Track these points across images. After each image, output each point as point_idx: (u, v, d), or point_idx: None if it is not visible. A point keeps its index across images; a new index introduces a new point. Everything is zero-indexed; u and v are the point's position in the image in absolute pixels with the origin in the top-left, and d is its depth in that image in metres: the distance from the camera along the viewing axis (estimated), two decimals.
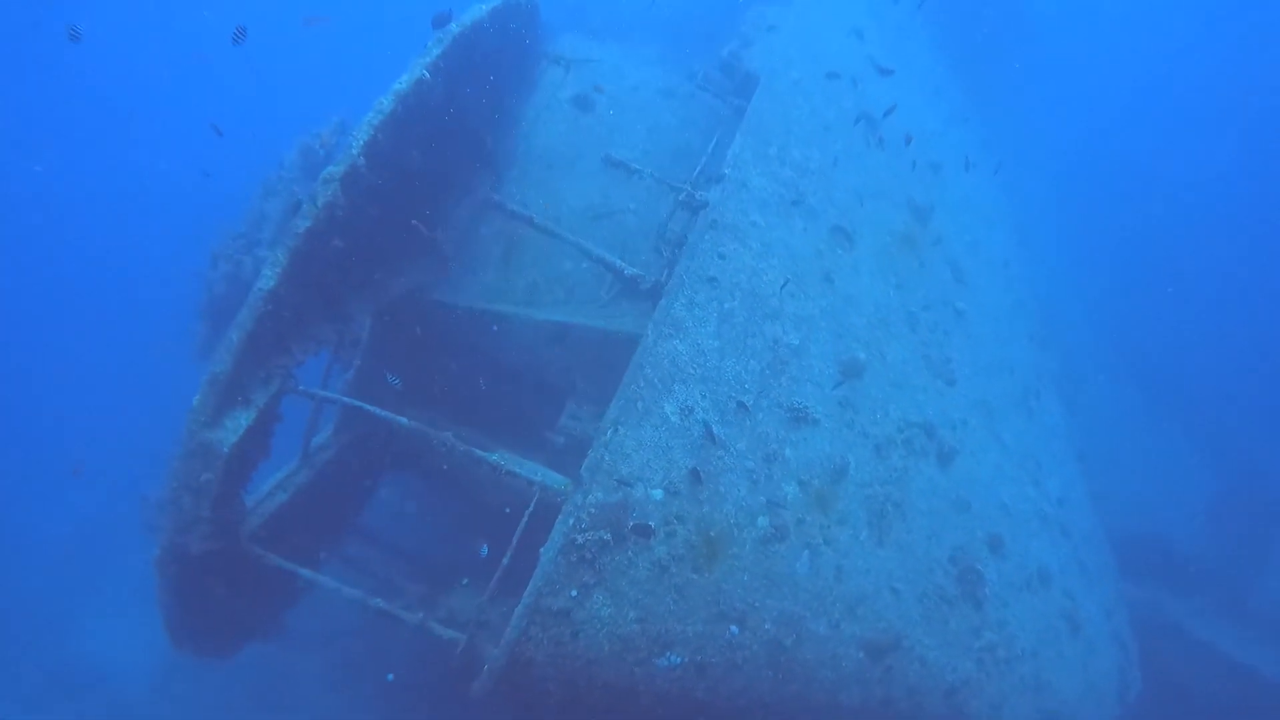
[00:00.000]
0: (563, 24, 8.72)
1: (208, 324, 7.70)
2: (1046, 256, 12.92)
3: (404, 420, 5.30)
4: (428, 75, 5.10)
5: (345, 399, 5.53)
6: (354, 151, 4.78)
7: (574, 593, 4.67)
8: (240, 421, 4.75)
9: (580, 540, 4.66)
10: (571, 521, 4.68)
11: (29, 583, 12.62)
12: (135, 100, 27.65)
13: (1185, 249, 18.11)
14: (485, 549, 5.85)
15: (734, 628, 5.03)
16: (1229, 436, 13.71)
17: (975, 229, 8.70)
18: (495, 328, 6.53)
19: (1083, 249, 15.85)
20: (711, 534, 5.00)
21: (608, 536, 4.71)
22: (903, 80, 9.19)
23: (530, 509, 5.13)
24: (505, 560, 5.03)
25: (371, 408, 5.30)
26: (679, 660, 4.94)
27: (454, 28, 5.44)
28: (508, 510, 5.80)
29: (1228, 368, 15.73)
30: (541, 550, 4.77)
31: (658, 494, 4.94)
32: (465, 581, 5.91)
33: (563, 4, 9.32)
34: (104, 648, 11.98)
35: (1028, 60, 14.82)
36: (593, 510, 4.73)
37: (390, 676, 5.73)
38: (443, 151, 5.88)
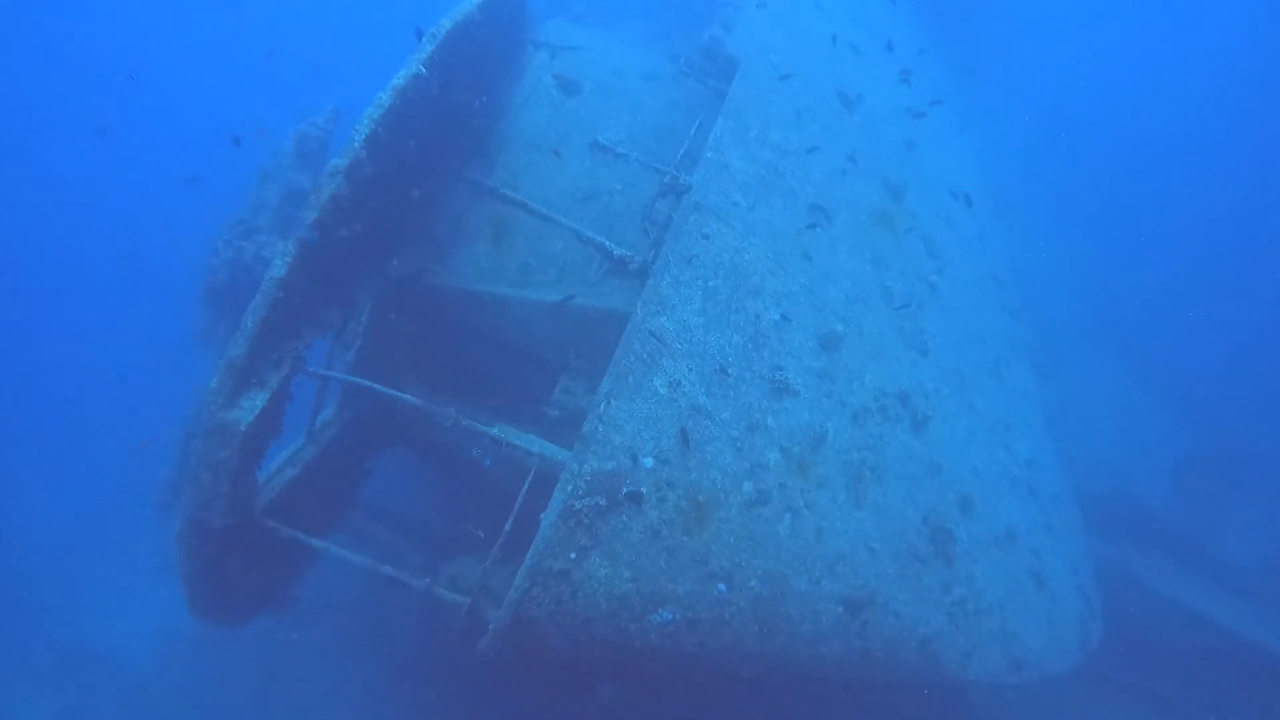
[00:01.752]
0: (546, 7, 8.92)
1: (210, 308, 7.93)
2: (1025, 224, 13.28)
3: (409, 397, 5.60)
4: (424, 71, 5.36)
5: (354, 379, 5.81)
6: (356, 145, 5.04)
7: (572, 555, 5.02)
8: (255, 402, 5.04)
9: (578, 506, 5.00)
10: (569, 489, 5.01)
11: (36, 564, 12.86)
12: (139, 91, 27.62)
13: (1161, 212, 18.59)
14: (481, 533, 6.18)
15: (722, 586, 5.40)
16: (1199, 398, 14.24)
17: (949, 204, 9.01)
18: (491, 309, 6.82)
19: (1061, 214, 16.21)
20: (700, 499, 5.35)
21: (603, 502, 5.05)
22: (879, 57, 9.46)
23: (529, 478, 5.46)
24: (507, 526, 5.36)
25: (378, 386, 5.59)
26: (671, 617, 5.31)
27: (446, 23, 5.68)
28: (485, 463, 6.13)
29: (1201, 331, 16.28)
30: (541, 516, 5.11)
31: (649, 462, 5.28)
32: (481, 534, 6.19)
33: None
34: (109, 624, 12.28)
35: (1005, 25, 15.11)
36: (589, 478, 5.07)
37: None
38: (437, 140, 6.14)
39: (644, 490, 5.19)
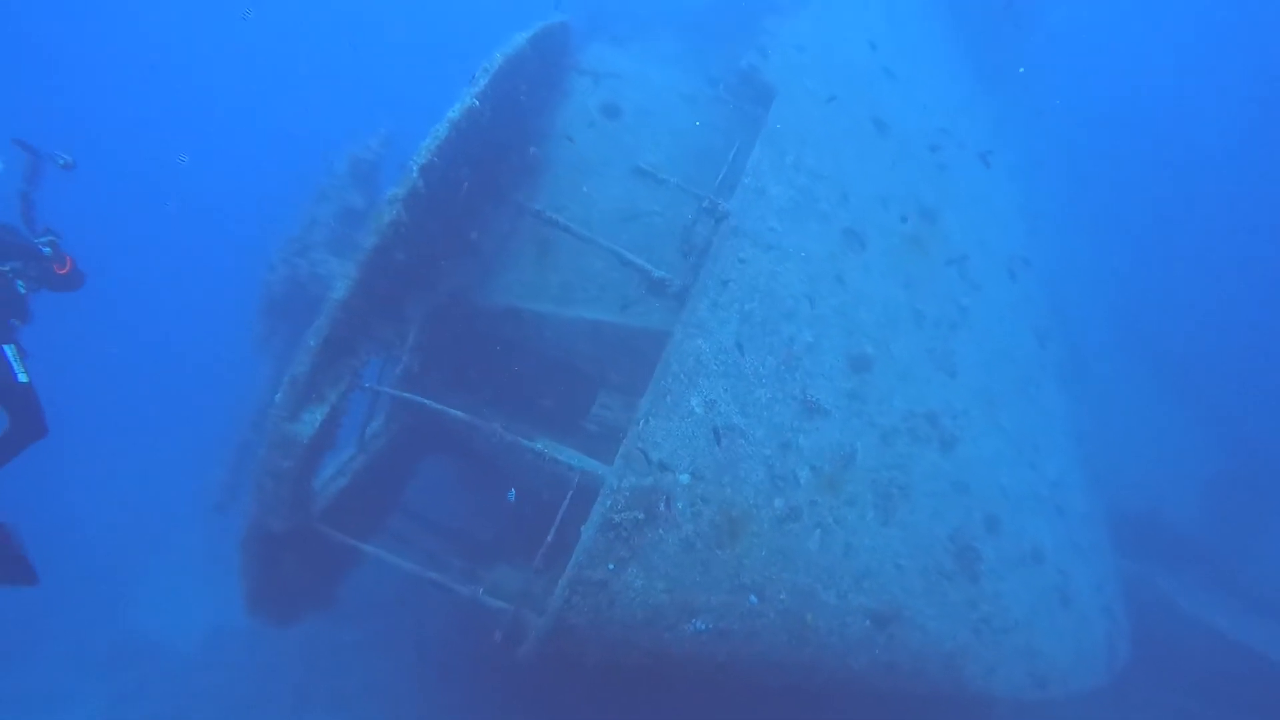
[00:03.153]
0: (587, 29, 9.19)
1: (266, 321, 8.30)
2: (1059, 242, 13.31)
3: (456, 412, 5.90)
4: (477, 103, 5.66)
5: (405, 394, 6.13)
6: (414, 174, 5.35)
7: (611, 566, 5.29)
8: (316, 416, 5.36)
9: (616, 519, 5.27)
10: (609, 503, 5.28)
11: (93, 559, 13.39)
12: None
13: (1197, 229, 18.47)
14: (513, 493, 6.46)
15: (753, 598, 5.63)
16: (1233, 418, 14.17)
17: (983, 226, 9.15)
18: (533, 326, 7.10)
19: (1097, 232, 16.19)
20: (733, 514, 5.59)
21: (641, 516, 5.32)
22: (914, 80, 9.63)
23: (570, 492, 5.73)
24: (549, 538, 5.63)
25: (431, 402, 5.90)
26: (704, 627, 5.56)
27: (498, 58, 6.00)
28: (511, 496, 6.45)
29: (1236, 351, 16.16)
30: (582, 528, 5.38)
31: (685, 478, 5.53)
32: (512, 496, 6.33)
33: (584, 4, 9.79)
34: (159, 619, 12.77)
35: (1042, 39, 15.12)
36: (627, 493, 5.33)
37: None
38: (487, 166, 6.44)
39: (680, 505, 5.44)
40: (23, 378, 5.41)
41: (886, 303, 7.13)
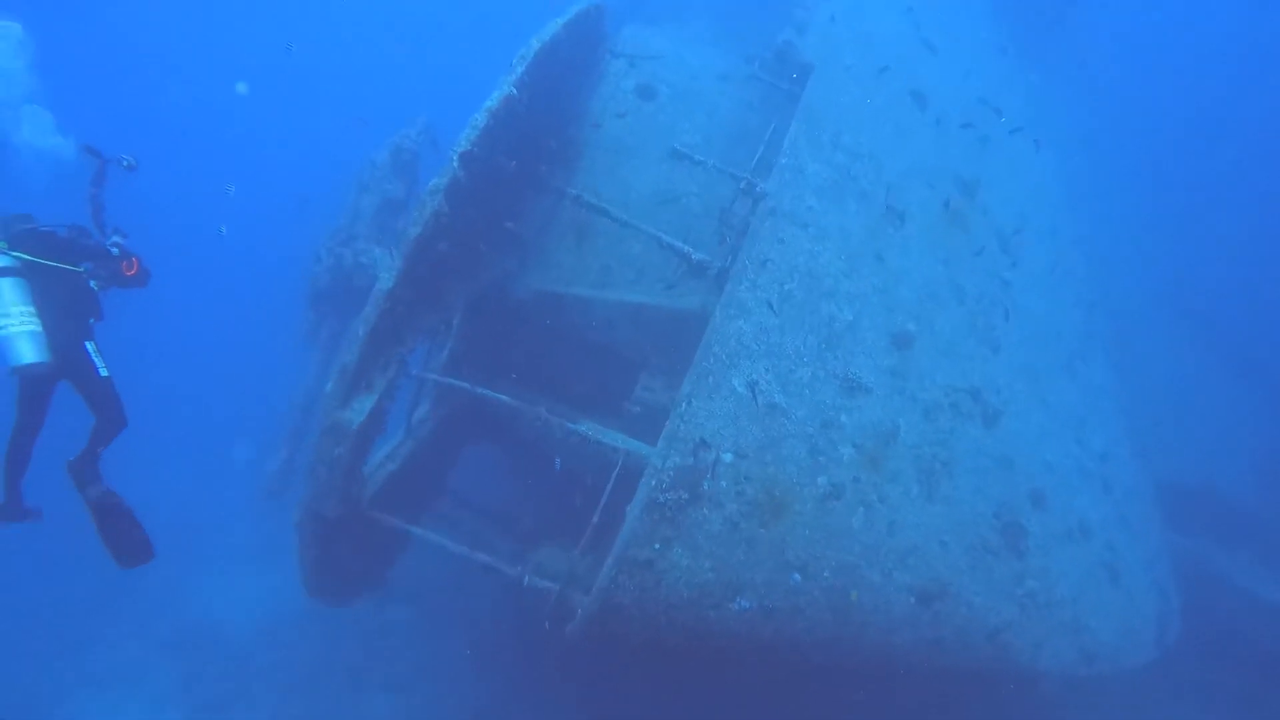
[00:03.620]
0: (621, 9, 9.18)
1: (314, 310, 8.50)
2: (1104, 214, 13.06)
3: (501, 396, 6.01)
4: (515, 92, 5.73)
5: (451, 380, 6.26)
6: (454, 164, 5.44)
7: (657, 546, 5.36)
8: (365, 404, 5.51)
9: (662, 499, 5.34)
10: (654, 483, 5.35)
11: (157, 542, 13.80)
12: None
13: (1250, 202, 17.98)
14: (559, 462, 6.59)
15: (797, 576, 5.68)
16: None
17: (1023, 199, 9.02)
18: (575, 310, 7.18)
19: (1144, 202, 15.85)
20: (776, 493, 5.63)
21: (685, 496, 5.38)
22: (954, 52, 9.48)
23: (615, 473, 5.82)
24: (594, 519, 5.73)
25: (476, 387, 6.02)
26: (749, 605, 5.62)
27: (535, 44, 6.05)
28: (558, 465, 6.52)
29: None
30: (627, 509, 5.46)
31: (728, 457, 5.58)
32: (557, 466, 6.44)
33: None
34: (221, 602, 13.20)
35: (1084, 8, 14.77)
36: (672, 473, 5.40)
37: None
38: (526, 153, 6.51)
39: (723, 485, 5.50)
40: (104, 372, 5.71)
41: (927, 279, 7.09)
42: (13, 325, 5.32)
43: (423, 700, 10.61)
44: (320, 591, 6.58)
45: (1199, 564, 9.61)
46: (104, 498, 5.69)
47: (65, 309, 5.61)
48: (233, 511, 14.77)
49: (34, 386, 5.53)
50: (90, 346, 5.71)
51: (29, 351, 5.33)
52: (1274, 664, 9.72)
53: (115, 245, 5.93)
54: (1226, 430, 12.08)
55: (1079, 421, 8.06)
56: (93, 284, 5.86)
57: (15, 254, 5.46)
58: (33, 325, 5.37)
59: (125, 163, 6.14)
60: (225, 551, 14.42)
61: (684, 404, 5.57)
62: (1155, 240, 14.79)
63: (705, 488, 5.43)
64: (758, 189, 6.50)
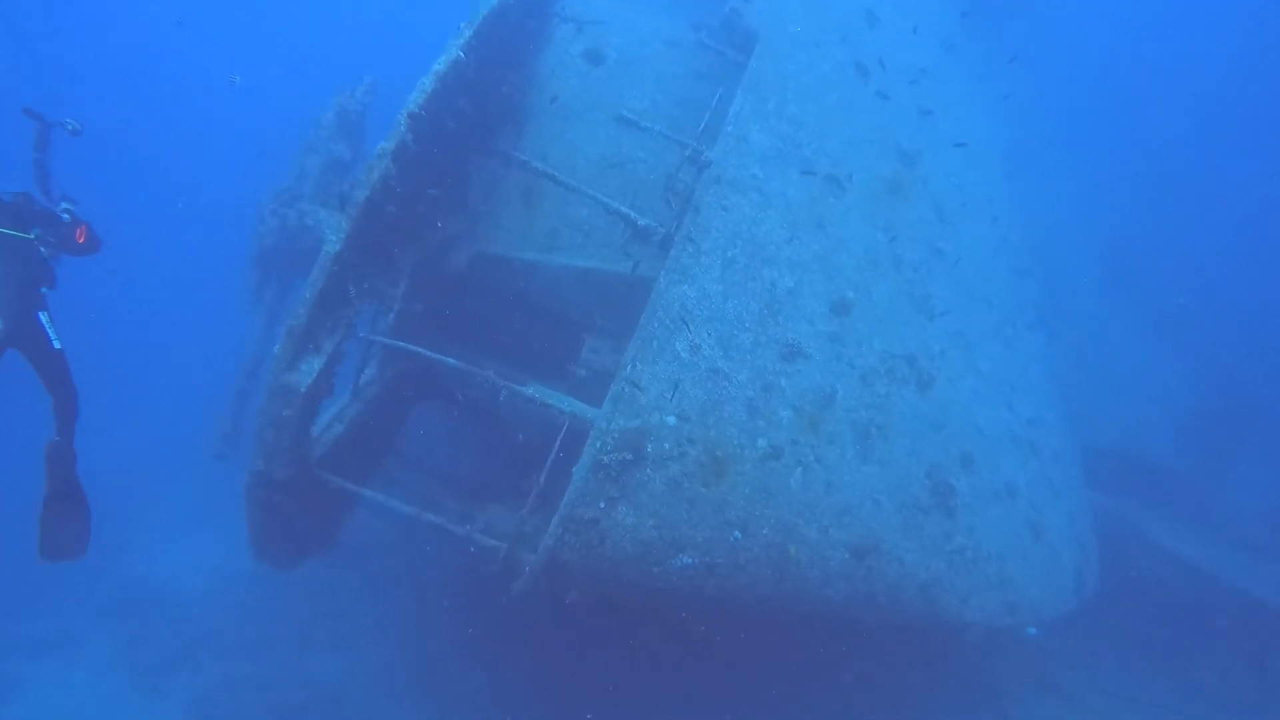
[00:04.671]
0: None
1: (258, 271, 8.42)
2: (1041, 183, 13.41)
3: (449, 360, 6.08)
4: (462, 55, 5.73)
5: (398, 343, 6.28)
6: (402, 128, 5.45)
7: (601, 504, 5.53)
8: (313, 365, 5.55)
9: (606, 460, 5.50)
10: (599, 444, 5.51)
11: (98, 505, 13.60)
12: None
13: (1176, 168, 18.58)
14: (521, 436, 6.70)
15: (737, 533, 5.89)
16: (1209, 353, 14.46)
17: (962, 170, 9.26)
18: (521, 273, 7.25)
19: (1077, 172, 16.29)
20: (717, 454, 5.82)
21: (630, 457, 5.55)
22: (899, 23, 9.62)
23: (561, 434, 5.95)
24: (541, 478, 5.87)
25: (423, 350, 6.07)
26: (691, 561, 5.83)
27: (483, 9, 6.04)
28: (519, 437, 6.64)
29: (1212, 286, 16.43)
30: (573, 469, 5.61)
31: (671, 420, 5.75)
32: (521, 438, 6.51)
33: None
34: (164, 563, 13.09)
35: None
36: (616, 435, 5.56)
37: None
38: (473, 115, 6.52)
39: (667, 446, 5.67)
40: (57, 344, 5.55)
41: (867, 247, 7.29)
42: None
43: (370, 660, 10.72)
44: (267, 554, 6.63)
45: (1119, 521, 10.10)
46: (67, 487, 5.61)
47: (16, 278, 5.45)
48: (177, 474, 14.59)
49: None
50: (44, 317, 5.52)
51: None
52: (1185, 613, 10.34)
53: (66, 211, 5.81)
54: (1149, 394, 12.61)
55: (1009, 387, 8.38)
56: (43, 250, 5.72)
57: None
58: None
59: (70, 127, 5.99)
60: (170, 514, 14.27)
61: (629, 367, 5.71)
62: (1090, 208, 15.22)
63: (649, 449, 5.59)
64: (703, 156, 6.61)
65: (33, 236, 5.64)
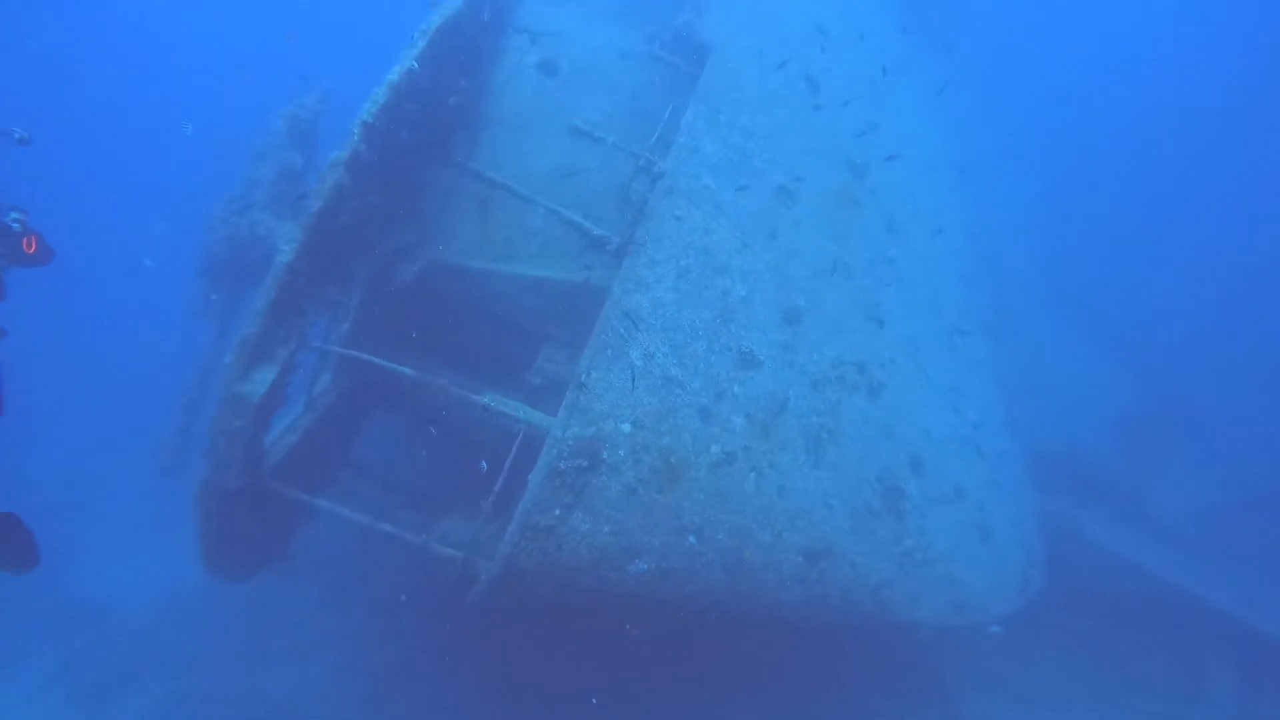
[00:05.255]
0: None
1: (207, 281, 8.30)
2: (989, 193, 13.76)
3: (404, 369, 6.08)
4: (416, 66, 5.76)
5: (354, 352, 6.28)
6: (355, 138, 5.46)
7: (557, 511, 5.58)
8: (266, 375, 5.51)
9: (562, 467, 5.55)
10: (555, 451, 5.56)
11: (39, 522, 13.19)
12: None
13: (1115, 180, 19.23)
14: (484, 464, 6.69)
15: (692, 538, 5.98)
16: (1144, 358, 14.99)
17: (910, 181, 9.50)
18: (476, 283, 7.26)
19: (1022, 182, 16.75)
20: (672, 460, 5.91)
21: (585, 464, 5.60)
22: (849, 36, 9.84)
23: (517, 442, 5.98)
24: (497, 486, 5.89)
25: (378, 360, 6.07)
26: (647, 566, 5.90)
27: (436, 20, 6.07)
28: (484, 466, 6.65)
29: (1154, 294, 17.05)
30: (529, 477, 5.65)
31: (626, 427, 5.82)
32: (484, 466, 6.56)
33: None
34: (108, 579, 12.75)
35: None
36: (572, 442, 5.61)
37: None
38: (427, 126, 6.54)
39: (622, 453, 5.74)
40: None
41: (817, 256, 7.45)
42: None
43: (325, 671, 10.56)
44: (219, 567, 6.54)
45: (1062, 522, 10.40)
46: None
47: None
48: (123, 488, 14.24)
49: None
50: None
51: None
52: (1124, 609, 10.70)
53: (16, 221, 5.67)
54: (1086, 397, 13.01)
55: (956, 392, 8.61)
56: None
57: None
58: None
59: (17, 135, 5.86)
60: (115, 529, 13.91)
61: (584, 376, 5.77)
62: (1032, 214, 15.67)
63: (604, 455, 5.66)
64: (656, 167, 6.71)
65: None
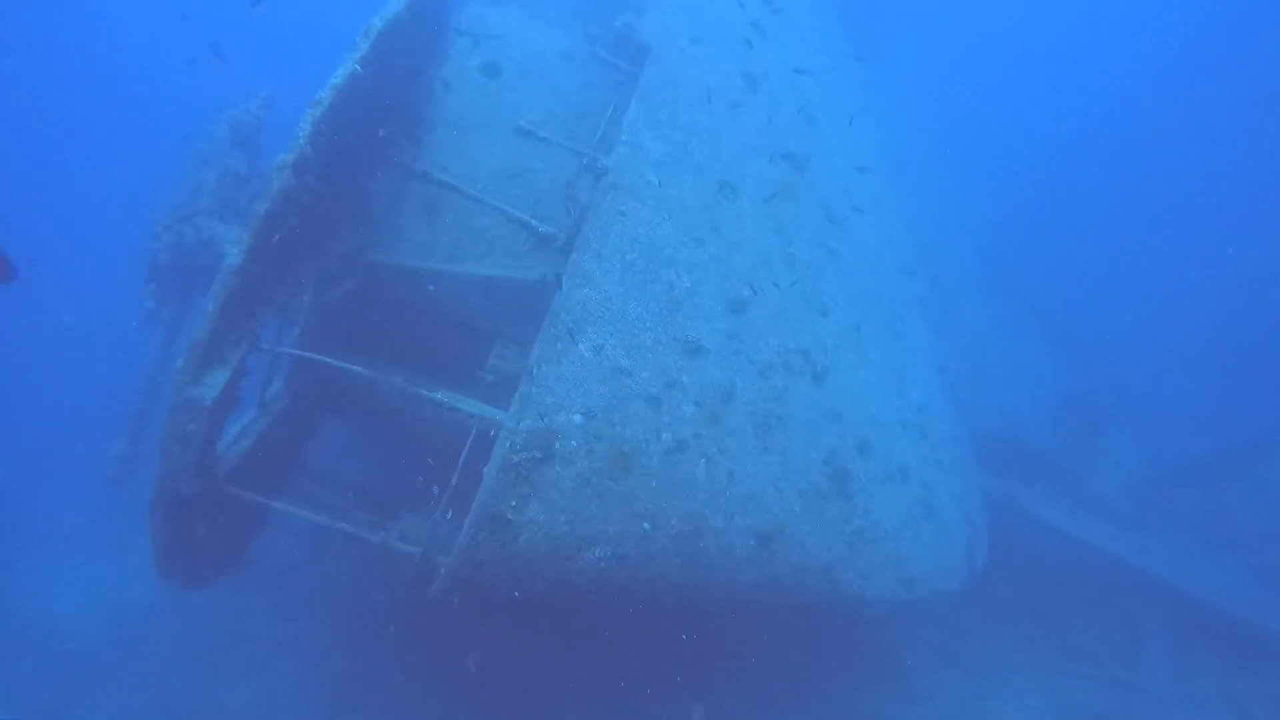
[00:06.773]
0: None
1: (152, 289, 8.23)
2: (927, 187, 14.18)
3: (357, 368, 6.14)
4: (359, 69, 5.82)
5: (305, 353, 6.31)
6: (302, 142, 5.50)
7: (513, 503, 5.69)
8: (218, 379, 5.52)
9: (516, 459, 5.67)
10: (509, 444, 5.67)
11: None
12: None
13: (1050, 170, 19.89)
14: (436, 490, 6.77)
15: (647, 525, 6.14)
16: (1079, 344, 15.57)
17: (849, 174, 9.77)
18: (427, 284, 7.34)
19: (963, 177, 17.25)
20: (624, 449, 6.06)
21: (539, 455, 5.73)
22: (784, 36, 10.10)
23: (471, 438, 6.08)
24: (453, 481, 5.98)
25: (330, 360, 6.11)
26: (603, 554, 6.04)
27: (377, 23, 6.13)
28: (431, 462, 6.72)
29: (1088, 283, 17.69)
30: (484, 470, 5.76)
31: (578, 419, 5.96)
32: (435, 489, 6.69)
33: None
34: (53, 600, 12.47)
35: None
36: (525, 435, 5.73)
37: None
38: (372, 127, 6.60)
39: (574, 443, 5.87)
40: None
41: (761, 248, 7.66)
42: None
43: (284, 681, 10.51)
44: (174, 575, 6.51)
45: (1005, 501, 10.78)
46: None
47: None
48: (70, 501, 13.94)
49: None
50: None
51: None
52: (1067, 581, 11.13)
53: None
54: (1024, 381, 13.48)
55: (899, 376, 8.89)
56: None
57: None
58: None
59: None
60: (62, 544, 13.61)
61: (534, 370, 5.90)
62: (970, 207, 16.15)
63: (557, 446, 5.79)
64: (600, 164, 6.85)
65: None
